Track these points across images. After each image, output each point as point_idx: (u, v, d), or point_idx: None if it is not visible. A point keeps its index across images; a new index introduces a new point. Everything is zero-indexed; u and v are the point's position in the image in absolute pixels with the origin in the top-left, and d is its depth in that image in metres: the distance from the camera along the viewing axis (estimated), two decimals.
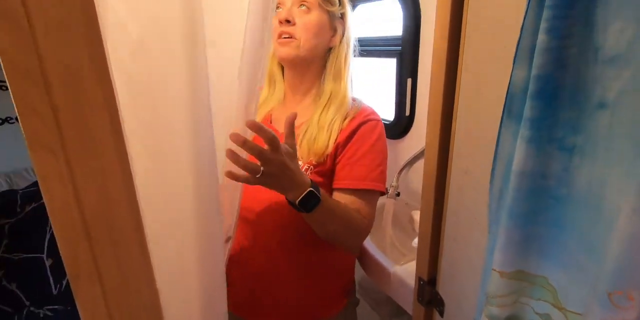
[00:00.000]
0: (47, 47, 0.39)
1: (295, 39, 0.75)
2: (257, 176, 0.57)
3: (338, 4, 0.78)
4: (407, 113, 1.09)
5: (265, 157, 0.57)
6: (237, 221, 0.69)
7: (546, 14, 0.36)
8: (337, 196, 0.76)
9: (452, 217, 0.63)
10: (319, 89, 0.81)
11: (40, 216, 1.46)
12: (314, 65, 0.80)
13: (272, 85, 0.85)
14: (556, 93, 0.37)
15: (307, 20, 0.75)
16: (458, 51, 0.60)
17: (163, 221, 0.55)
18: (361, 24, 1.33)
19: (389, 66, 1.16)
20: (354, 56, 0.84)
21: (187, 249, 0.59)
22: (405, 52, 1.06)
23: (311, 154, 0.74)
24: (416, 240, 0.84)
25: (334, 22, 0.78)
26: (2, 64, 0.39)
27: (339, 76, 0.79)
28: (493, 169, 0.46)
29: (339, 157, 0.76)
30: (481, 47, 0.56)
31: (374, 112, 0.81)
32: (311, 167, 0.75)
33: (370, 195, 0.76)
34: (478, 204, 0.58)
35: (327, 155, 0.75)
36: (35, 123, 0.40)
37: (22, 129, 0.41)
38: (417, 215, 1.05)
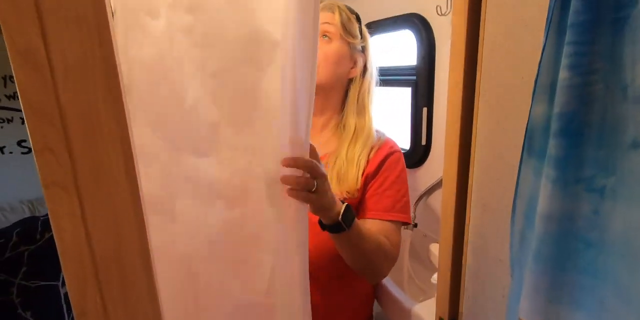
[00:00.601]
0: (66, 88, 0.40)
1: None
2: (313, 190, 0.57)
3: (359, 37, 0.80)
4: (424, 142, 1.08)
5: (319, 170, 0.58)
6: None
7: (568, 50, 0.35)
8: (372, 226, 0.76)
9: (474, 253, 0.59)
10: (340, 120, 0.82)
11: None
12: (333, 95, 0.81)
13: None
14: (582, 131, 0.35)
15: (327, 50, 0.77)
16: (475, 82, 0.59)
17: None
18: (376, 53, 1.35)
19: (403, 95, 1.16)
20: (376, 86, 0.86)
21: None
22: (420, 81, 1.06)
23: (343, 189, 0.75)
24: (435, 276, 0.80)
25: (355, 54, 0.80)
26: (20, 103, 0.40)
27: (363, 110, 0.81)
28: (514, 207, 0.44)
29: (367, 188, 0.77)
30: (498, 78, 0.55)
31: (396, 144, 0.84)
32: (342, 201, 0.74)
33: (397, 225, 0.77)
34: (500, 241, 0.55)
35: (358, 189, 0.76)
36: (49, 161, 0.41)
37: (37, 168, 0.42)
38: (435, 248, 1.00)
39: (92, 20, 0.41)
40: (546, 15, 0.42)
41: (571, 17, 0.35)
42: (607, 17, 0.33)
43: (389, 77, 1.21)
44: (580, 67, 0.34)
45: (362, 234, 0.68)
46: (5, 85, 1.57)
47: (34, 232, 1.52)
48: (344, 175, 0.76)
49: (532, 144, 0.41)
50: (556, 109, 0.36)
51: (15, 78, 0.39)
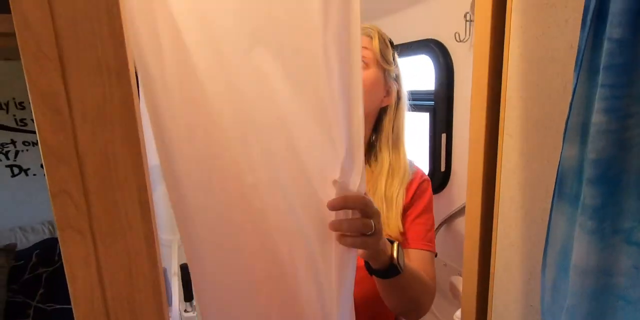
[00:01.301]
0: (84, 130, 0.40)
1: None
2: (370, 233, 0.49)
3: (394, 64, 0.77)
4: (443, 168, 1.05)
5: (373, 207, 0.49)
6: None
7: (602, 92, 0.33)
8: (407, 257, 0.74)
9: (500, 296, 0.56)
10: (370, 151, 0.79)
11: None
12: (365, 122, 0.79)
13: None
14: (620, 178, 0.33)
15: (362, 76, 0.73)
16: (498, 116, 0.57)
17: None
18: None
19: (421, 119, 1.15)
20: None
21: None
22: (438, 107, 1.04)
23: (385, 233, 0.67)
24: (459, 313, 0.75)
25: (389, 82, 0.76)
26: (39, 144, 0.40)
27: (397, 144, 0.77)
28: (545, 255, 0.41)
29: (403, 221, 0.74)
30: (524, 113, 0.53)
31: (424, 172, 0.82)
32: (389, 239, 0.69)
33: (429, 255, 0.74)
34: (529, 285, 0.51)
35: (401, 233, 0.72)
36: (66, 204, 0.41)
37: (53, 211, 0.42)
38: (457, 281, 0.96)
39: (113, 65, 0.41)
40: (576, 50, 0.41)
41: (605, 59, 0.33)
42: None
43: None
44: (616, 111, 0.32)
45: (412, 275, 0.62)
46: (32, 110, 1.63)
47: (53, 253, 1.54)
48: (385, 217, 0.72)
49: (563, 189, 0.38)
50: (591, 155, 0.33)
51: (35, 120, 0.39)
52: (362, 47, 0.73)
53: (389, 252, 0.56)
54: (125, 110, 0.42)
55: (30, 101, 0.39)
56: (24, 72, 0.38)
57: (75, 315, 0.43)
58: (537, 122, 0.51)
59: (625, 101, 0.32)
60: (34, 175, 1.69)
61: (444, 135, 1.03)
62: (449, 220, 1.06)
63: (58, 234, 0.41)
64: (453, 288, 0.96)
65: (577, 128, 0.37)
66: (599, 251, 0.33)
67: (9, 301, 1.35)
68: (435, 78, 1.04)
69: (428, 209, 0.76)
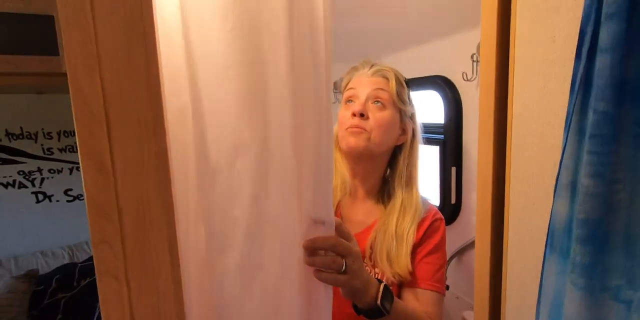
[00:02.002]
0: (124, 184, 0.45)
1: (366, 131, 0.74)
2: (343, 270, 0.52)
3: (410, 104, 0.79)
4: (453, 201, 1.07)
5: (344, 247, 0.52)
6: None
7: (589, 158, 0.36)
8: (404, 296, 0.74)
9: None
10: (384, 188, 0.80)
11: (93, 291, 1.52)
12: (379, 162, 0.79)
13: (337, 174, 0.82)
14: (607, 238, 0.35)
15: (380, 116, 0.74)
16: (505, 159, 0.60)
17: None
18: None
19: (431, 151, 1.18)
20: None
21: None
22: (448, 141, 1.07)
23: (394, 270, 0.71)
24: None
25: (405, 121, 0.78)
26: (85, 199, 0.44)
27: (410, 182, 0.78)
28: (538, 305, 0.43)
29: (413, 258, 0.75)
30: (529, 159, 0.55)
31: (438, 211, 0.81)
32: (378, 279, 0.66)
33: (436, 296, 0.73)
34: None
35: (410, 271, 0.72)
36: (106, 253, 0.45)
37: (93, 255, 0.46)
38: (469, 316, 0.96)
39: (151, 122, 0.46)
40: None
41: (592, 128, 0.36)
42: (629, 130, 0.34)
43: None
44: (603, 177, 0.35)
45: (404, 315, 0.64)
46: (59, 140, 1.72)
47: (72, 279, 1.57)
48: (395, 255, 0.71)
49: (554, 242, 0.41)
50: (581, 215, 0.36)
51: (82, 177, 0.44)
52: (379, 88, 0.76)
53: (373, 293, 0.57)
54: (159, 163, 0.46)
55: (80, 160, 0.43)
56: (76, 134, 0.43)
57: None
58: (542, 169, 0.53)
59: (611, 168, 0.35)
60: (57, 201, 1.76)
61: (454, 169, 1.05)
62: (461, 252, 1.07)
63: (97, 279, 0.45)
64: None
65: (567, 186, 0.39)
66: (588, 307, 0.35)
67: None
68: (445, 113, 1.08)
69: (439, 248, 0.76)
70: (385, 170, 0.80)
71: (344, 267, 0.52)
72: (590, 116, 0.35)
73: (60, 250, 1.74)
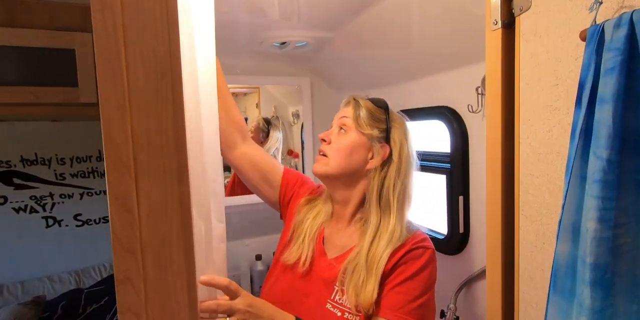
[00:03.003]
0: (148, 225, 0.47)
1: (326, 156, 0.79)
2: None
3: (379, 129, 0.79)
4: (461, 230, 1.07)
5: (225, 308, 0.61)
6: None
7: (594, 203, 0.37)
8: None
9: None
10: (364, 213, 0.79)
11: (99, 318, 1.51)
12: (355, 186, 0.79)
13: (323, 197, 0.86)
14: (613, 282, 0.36)
15: (339, 140, 0.78)
16: (513, 196, 0.62)
17: None
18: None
19: (438, 180, 1.19)
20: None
21: None
22: (454, 170, 1.09)
23: (359, 302, 0.70)
24: None
25: (374, 145, 0.78)
26: (111, 239, 0.46)
27: (387, 206, 0.76)
28: None
29: (383, 287, 0.72)
30: (537, 199, 0.57)
31: (425, 239, 0.76)
32: (358, 314, 0.69)
33: None
34: None
35: (374, 302, 0.70)
36: (128, 290, 0.46)
37: (116, 295, 0.47)
38: None
39: (175, 168, 0.48)
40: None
41: (596, 174, 0.38)
42: (631, 178, 0.36)
43: (423, 162, 1.25)
44: (608, 221, 0.37)
45: None
46: (71, 165, 1.76)
47: (78, 305, 1.56)
48: (362, 286, 0.70)
49: (557, 283, 0.42)
50: (588, 259, 0.37)
51: (110, 220, 0.46)
52: (344, 116, 0.80)
53: None
54: (182, 206, 0.49)
55: (108, 202, 0.46)
56: (106, 178, 0.46)
57: None
58: (550, 209, 0.55)
59: (614, 212, 0.36)
60: (67, 226, 1.77)
61: (461, 198, 1.06)
62: (469, 282, 1.06)
63: (118, 317, 0.46)
64: None
65: (569, 228, 0.41)
66: None
67: None
68: (451, 142, 1.10)
69: (417, 277, 0.71)
70: (362, 195, 0.80)
71: None
72: (593, 162, 0.37)
73: (67, 275, 1.73)
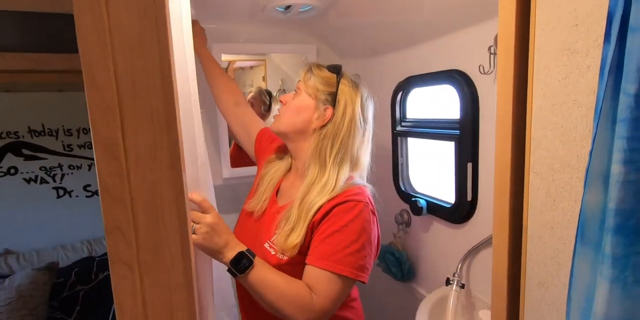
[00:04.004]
0: (137, 173, 0.45)
1: (279, 115, 0.88)
2: (193, 232, 0.68)
3: (327, 92, 0.84)
4: (469, 198, 1.04)
5: (196, 216, 0.70)
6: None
7: (620, 144, 0.34)
8: (304, 273, 0.76)
9: None
10: (304, 165, 0.86)
11: (110, 285, 1.55)
12: (302, 143, 0.86)
13: (284, 154, 0.95)
14: (638, 228, 0.33)
15: (291, 102, 0.87)
16: (524, 152, 0.58)
17: None
18: (416, 105, 1.37)
19: (446, 147, 1.16)
20: (364, 142, 0.85)
21: None
22: (463, 136, 1.05)
23: (286, 247, 0.77)
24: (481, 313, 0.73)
25: (319, 107, 0.84)
26: (98, 186, 0.45)
27: (324, 163, 0.82)
28: (569, 302, 0.41)
29: (314, 236, 0.77)
30: (549, 151, 0.53)
31: (359, 193, 0.79)
32: (245, 251, 0.74)
33: (327, 276, 0.73)
34: None
35: (292, 248, 0.76)
36: (118, 240, 0.45)
37: (107, 245, 0.46)
38: (485, 315, 0.93)
39: (163, 113, 0.46)
40: (596, 93, 0.42)
41: (623, 112, 0.34)
42: None
43: (431, 130, 1.21)
44: (635, 163, 0.33)
45: (264, 283, 0.71)
46: (78, 137, 1.76)
47: (90, 272, 1.61)
48: (290, 231, 0.77)
49: (585, 234, 0.39)
50: (611, 204, 0.34)
51: (96, 165, 0.44)
52: (298, 80, 0.88)
53: (229, 257, 0.70)
54: (172, 155, 0.46)
55: (94, 148, 0.44)
56: (90, 123, 0.44)
57: None
58: (564, 163, 0.51)
59: None
60: (77, 196, 1.80)
61: (469, 165, 1.03)
62: (477, 251, 1.05)
63: (109, 267, 0.45)
64: None
65: (598, 175, 0.38)
66: (620, 300, 0.33)
67: (49, 317, 1.42)
68: (460, 108, 1.05)
69: (346, 230, 0.74)
70: (309, 150, 0.85)
71: (192, 229, 0.68)
72: (623, 100, 0.34)
73: (79, 244, 1.78)
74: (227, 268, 0.72)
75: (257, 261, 0.73)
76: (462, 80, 1.04)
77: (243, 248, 0.73)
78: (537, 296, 0.53)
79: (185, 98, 0.76)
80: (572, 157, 0.50)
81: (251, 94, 1.75)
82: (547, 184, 0.54)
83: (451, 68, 1.09)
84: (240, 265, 0.70)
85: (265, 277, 0.72)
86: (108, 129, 0.43)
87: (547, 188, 0.54)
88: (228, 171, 1.53)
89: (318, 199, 0.78)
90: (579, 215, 0.39)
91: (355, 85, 0.87)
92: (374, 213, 0.80)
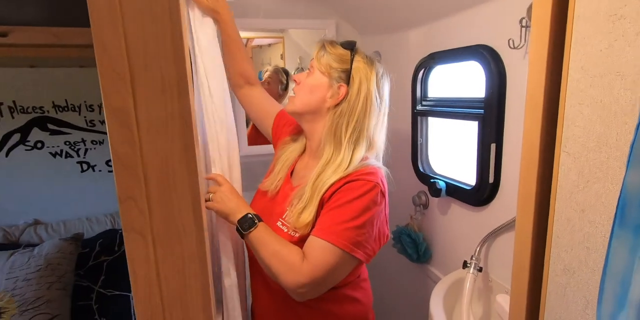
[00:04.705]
0: (148, 141, 0.44)
1: (294, 95, 0.86)
2: (207, 201, 0.78)
3: (341, 69, 0.82)
4: (491, 180, 1.00)
5: (211, 187, 0.80)
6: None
7: None
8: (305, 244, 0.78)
9: None
10: (320, 144, 0.86)
11: None
12: (317, 122, 0.85)
13: (299, 135, 0.95)
14: None
15: (305, 81, 0.85)
16: (555, 130, 0.54)
17: None
18: (439, 83, 1.32)
19: (469, 127, 1.11)
20: (379, 121, 0.84)
21: None
22: (488, 116, 1.00)
23: (297, 224, 0.78)
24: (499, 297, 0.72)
25: (332, 85, 0.82)
26: (112, 158, 0.44)
27: (339, 143, 0.81)
28: (602, 287, 0.38)
29: (321, 211, 0.78)
30: (584, 129, 0.49)
31: (371, 173, 0.78)
32: (250, 214, 0.79)
33: (323, 244, 0.73)
34: (585, 314, 0.48)
35: (310, 225, 0.78)
36: (131, 209, 0.45)
37: (120, 214, 0.46)
38: (503, 299, 0.91)
39: (175, 81, 0.45)
40: None
41: None
42: None
43: (454, 109, 1.16)
44: None
45: (262, 242, 0.76)
46: (100, 112, 1.79)
47: (113, 243, 1.68)
48: (303, 209, 0.78)
49: (625, 216, 0.36)
50: None
51: (108, 134, 0.44)
52: (312, 59, 0.86)
53: (237, 218, 0.77)
54: (183, 124, 0.45)
55: (105, 117, 0.43)
56: (101, 91, 0.43)
57: (135, 307, 0.47)
58: (600, 141, 0.47)
59: None
60: (99, 171, 1.85)
61: (493, 146, 0.98)
62: (496, 234, 1.02)
63: (123, 235, 0.45)
64: (498, 306, 0.92)
65: None
66: None
67: (75, 285, 1.49)
68: (486, 85, 1.00)
69: (349, 206, 0.75)
70: (322, 129, 0.85)
71: (209, 197, 0.79)
72: None
73: (103, 217, 1.85)
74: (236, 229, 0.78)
75: (262, 224, 0.77)
76: (488, 56, 0.98)
77: (251, 211, 0.78)
78: (561, 281, 0.51)
79: (211, 58, 0.80)
80: (610, 135, 0.46)
81: (267, 73, 1.72)
82: (580, 164, 0.50)
83: (477, 43, 1.03)
84: (245, 224, 0.76)
85: (264, 236, 0.76)
86: (119, 97, 0.42)
87: (579, 168, 0.50)
88: (245, 149, 1.53)
89: (332, 179, 0.78)
90: (619, 197, 0.36)
91: (371, 62, 0.84)
92: (383, 195, 0.79)
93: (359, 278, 0.87)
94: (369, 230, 0.76)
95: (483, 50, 1.00)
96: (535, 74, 0.57)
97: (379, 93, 0.83)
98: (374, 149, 0.84)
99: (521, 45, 0.89)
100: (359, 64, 0.82)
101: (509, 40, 0.90)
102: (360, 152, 0.81)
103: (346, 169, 0.78)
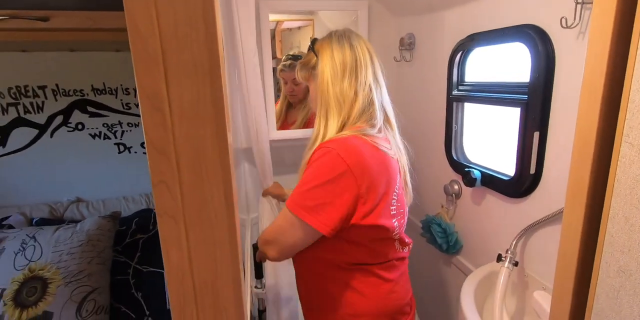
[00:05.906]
0: (181, 126, 0.44)
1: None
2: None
3: (312, 62, 0.90)
4: (532, 171, 0.94)
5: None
6: None
7: None
8: None
9: None
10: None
11: None
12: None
13: None
14: None
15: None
16: (616, 119, 0.49)
17: None
18: (477, 67, 1.24)
19: (509, 113, 1.04)
20: (354, 84, 0.85)
21: None
22: (532, 102, 0.93)
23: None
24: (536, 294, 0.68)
25: (313, 78, 0.92)
26: (145, 139, 0.44)
27: (317, 119, 0.88)
28: None
29: None
30: None
31: (334, 141, 0.78)
32: None
33: (284, 211, 0.79)
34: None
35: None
36: (164, 193, 0.45)
37: (154, 198, 0.46)
38: (541, 297, 0.87)
39: (207, 65, 0.43)
40: None
41: None
42: None
43: (493, 94, 1.10)
44: None
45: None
46: (135, 95, 1.83)
47: (148, 222, 1.74)
48: (296, 187, 0.82)
49: None
50: None
51: (142, 117, 0.43)
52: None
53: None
54: (215, 108, 0.44)
55: (139, 100, 0.43)
56: (135, 75, 0.42)
57: (169, 290, 0.48)
58: None
59: None
60: (135, 152, 1.92)
61: (536, 134, 0.92)
62: (535, 228, 0.97)
63: (157, 218, 0.46)
64: (534, 303, 0.88)
65: None
66: None
67: (114, 260, 1.57)
68: (532, 69, 0.92)
69: (306, 173, 0.78)
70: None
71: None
72: None
73: (139, 197, 1.92)
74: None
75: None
76: (536, 37, 0.90)
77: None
78: (614, 284, 0.47)
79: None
80: None
81: (281, 68, 1.57)
82: None
83: (523, 23, 0.95)
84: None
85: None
86: (152, 80, 0.42)
87: None
88: (274, 133, 1.53)
89: (308, 154, 0.82)
90: None
91: (328, 38, 0.88)
92: (344, 160, 0.74)
93: (388, 262, 0.88)
94: (322, 195, 0.74)
95: (530, 30, 0.92)
96: (595, 56, 0.52)
97: (342, 59, 0.84)
98: (357, 114, 0.83)
99: (575, 24, 0.81)
100: (318, 47, 0.88)
101: (561, 19, 0.82)
102: (333, 124, 0.83)
103: (315, 142, 0.83)
